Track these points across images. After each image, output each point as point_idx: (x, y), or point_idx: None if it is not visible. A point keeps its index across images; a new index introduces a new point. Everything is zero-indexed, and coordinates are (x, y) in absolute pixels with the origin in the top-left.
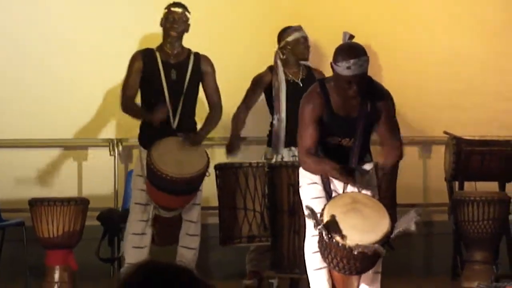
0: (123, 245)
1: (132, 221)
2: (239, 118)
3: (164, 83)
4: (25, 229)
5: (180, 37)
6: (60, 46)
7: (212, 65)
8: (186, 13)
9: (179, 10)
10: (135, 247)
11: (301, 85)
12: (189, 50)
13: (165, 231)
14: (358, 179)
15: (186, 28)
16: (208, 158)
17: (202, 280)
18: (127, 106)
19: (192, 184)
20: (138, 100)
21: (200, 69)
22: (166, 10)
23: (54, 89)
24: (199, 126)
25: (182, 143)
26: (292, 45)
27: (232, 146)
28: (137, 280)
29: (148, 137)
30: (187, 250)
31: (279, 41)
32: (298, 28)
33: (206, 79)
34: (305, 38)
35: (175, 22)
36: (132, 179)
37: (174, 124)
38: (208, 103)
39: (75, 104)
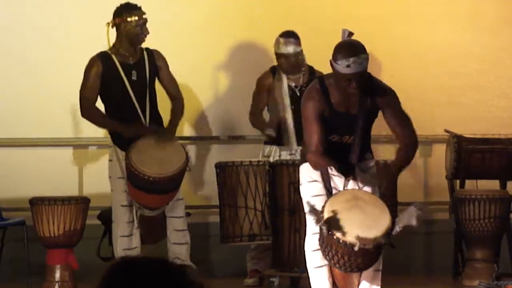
0: (114, 249)
1: (119, 224)
2: (257, 121)
3: (127, 85)
4: (26, 228)
5: None
6: (61, 45)
7: (164, 58)
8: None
9: (145, 15)
10: (126, 249)
11: (298, 94)
12: (140, 47)
13: (152, 229)
14: (359, 176)
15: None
16: (187, 153)
17: (176, 267)
18: (89, 111)
19: (174, 182)
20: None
21: (156, 64)
22: (125, 15)
23: (55, 89)
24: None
25: (157, 141)
26: (281, 58)
27: (268, 134)
28: (112, 280)
29: (123, 138)
30: (179, 246)
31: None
32: (287, 42)
33: (161, 73)
34: (294, 56)
35: (145, 30)
36: (112, 181)
37: (146, 122)
38: (169, 96)
39: (76, 103)
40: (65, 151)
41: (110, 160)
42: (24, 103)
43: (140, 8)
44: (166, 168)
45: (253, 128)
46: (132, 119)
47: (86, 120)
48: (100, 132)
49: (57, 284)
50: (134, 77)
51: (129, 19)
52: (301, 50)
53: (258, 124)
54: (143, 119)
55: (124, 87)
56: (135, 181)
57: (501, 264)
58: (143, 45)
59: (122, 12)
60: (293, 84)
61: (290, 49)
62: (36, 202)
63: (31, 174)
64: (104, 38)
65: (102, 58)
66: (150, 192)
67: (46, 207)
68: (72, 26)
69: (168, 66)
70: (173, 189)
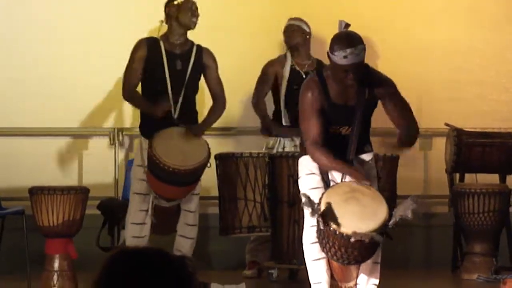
0: (124, 234)
1: (132, 211)
2: (257, 108)
3: (167, 73)
4: (25, 217)
5: None
6: (62, 36)
7: (214, 59)
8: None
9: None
10: (135, 236)
11: (304, 76)
12: (192, 42)
13: (165, 220)
14: (358, 169)
15: None
16: (209, 149)
17: (176, 258)
18: (130, 94)
19: (194, 175)
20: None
21: (202, 62)
22: (183, 1)
23: (55, 78)
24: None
25: (183, 133)
26: (283, 34)
27: (268, 130)
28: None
29: (149, 127)
30: (185, 240)
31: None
32: (290, 19)
33: (208, 72)
34: (291, 26)
35: (195, 14)
36: (132, 168)
37: (176, 114)
38: (212, 95)
39: (76, 93)
40: (65, 141)
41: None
42: (23, 93)
43: None
44: (187, 160)
45: (255, 120)
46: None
47: (86, 111)
48: (100, 123)
49: (56, 274)
50: (179, 67)
51: (178, 3)
52: (303, 30)
53: (258, 112)
54: (173, 110)
55: (164, 74)
56: (155, 170)
57: (500, 258)
58: (196, 41)
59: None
60: (298, 68)
61: (291, 21)
62: (35, 192)
63: (31, 163)
64: (105, 28)
65: (149, 42)
66: (168, 182)
67: (46, 196)
68: (73, 18)
69: (217, 66)
70: (192, 182)
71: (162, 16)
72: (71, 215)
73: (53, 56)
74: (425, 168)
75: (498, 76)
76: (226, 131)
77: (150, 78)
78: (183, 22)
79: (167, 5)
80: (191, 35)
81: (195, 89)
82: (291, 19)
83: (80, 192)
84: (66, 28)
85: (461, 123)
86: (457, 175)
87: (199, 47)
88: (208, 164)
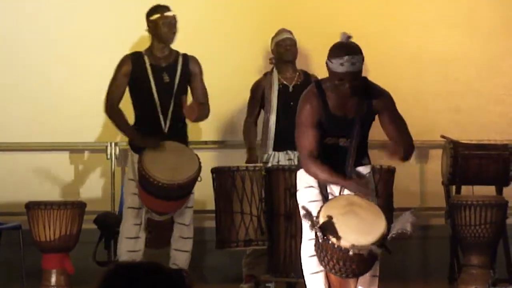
0: (118, 249)
1: (125, 225)
2: (248, 131)
3: (153, 87)
4: (21, 232)
5: None
6: (57, 51)
7: (200, 66)
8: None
9: (172, 13)
10: (130, 251)
11: (291, 90)
12: (177, 52)
13: (158, 234)
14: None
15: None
16: (200, 162)
17: (172, 272)
18: (111, 110)
19: (185, 189)
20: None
21: (189, 70)
22: (158, 15)
23: (51, 93)
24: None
25: (173, 147)
26: (276, 47)
27: (250, 160)
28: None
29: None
30: (180, 253)
31: (271, 44)
32: (282, 30)
33: (194, 80)
34: (289, 40)
35: (172, 27)
36: (124, 183)
37: (166, 128)
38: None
39: (72, 107)
40: (61, 155)
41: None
42: (19, 108)
43: (167, 7)
44: (178, 175)
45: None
46: (152, 122)
47: (81, 125)
48: (96, 137)
49: None
50: (166, 79)
51: (155, 18)
52: (296, 43)
53: (246, 137)
54: (162, 122)
55: (150, 88)
56: (146, 185)
57: (497, 270)
58: (180, 49)
59: (150, 13)
60: (286, 82)
61: (286, 34)
62: (32, 207)
63: (27, 178)
64: (99, 43)
65: (133, 57)
66: (159, 197)
67: (42, 211)
68: (68, 34)
69: (202, 73)
70: (183, 196)
71: None
72: (68, 229)
73: (49, 71)
74: (422, 180)
75: (495, 88)
76: (222, 145)
77: (137, 93)
78: (161, 37)
79: (146, 19)
80: (186, 45)
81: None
82: (284, 31)
83: (77, 207)
84: (62, 43)
85: (458, 135)
86: (454, 187)
87: (185, 56)
88: (199, 178)
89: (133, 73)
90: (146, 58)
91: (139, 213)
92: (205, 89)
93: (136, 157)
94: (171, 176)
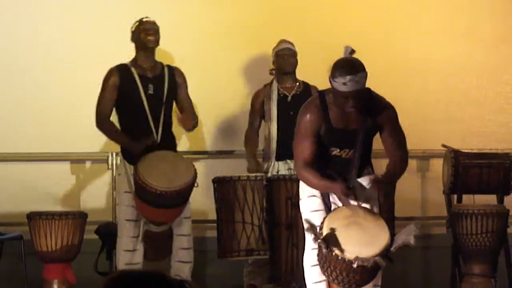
0: (116, 262)
1: (123, 238)
2: (248, 141)
3: (143, 98)
4: (23, 242)
5: (154, 50)
6: (58, 62)
7: (184, 77)
8: (156, 23)
9: (151, 19)
10: (128, 263)
11: (290, 100)
12: (161, 63)
13: (157, 245)
14: (358, 192)
15: (159, 38)
16: (195, 169)
17: (175, 282)
18: (102, 123)
19: (182, 197)
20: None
21: (176, 81)
22: (137, 24)
23: (52, 103)
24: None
25: (167, 156)
26: (276, 57)
27: (251, 169)
28: None
29: (132, 153)
30: (183, 264)
31: (272, 55)
32: (282, 41)
33: (180, 91)
34: (288, 50)
35: (150, 31)
36: (118, 196)
37: (158, 138)
38: (180, 113)
39: (73, 117)
40: (63, 166)
41: (119, 174)
42: (21, 118)
43: (149, 18)
44: (174, 182)
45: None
46: (144, 132)
47: (82, 135)
48: (97, 147)
49: None
50: (150, 91)
51: (136, 26)
52: (296, 54)
53: (247, 146)
54: (155, 134)
55: (140, 100)
56: (142, 194)
57: (499, 279)
58: (182, 60)
59: (133, 24)
60: (285, 92)
61: (286, 45)
62: (33, 217)
63: (29, 188)
64: (99, 54)
65: (120, 69)
66: (156, 206)
67: (44, 221)
68: (74, 42)
69: (187, 85)
70: (180, 204)
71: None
72: (70, 240)
73: (50, 81)
74: (423, 190)
75: (496, 97)
76: (223, 155)
77: (126, 105)
78: (142, 44)
79: (131, 29)
80: (187, 55)
81: (171, 111)
82: (284, 42)
83: (78, 217)
84: (63, 54)
85: (458, 144)
86: (455, 196)
87: (170, 67)
88: (196, 184)
89: (121, 85)
90: (133, 70)
91: (136, 225)
92: (190, 100)
93: (131, 168)
94: (167, 182)
